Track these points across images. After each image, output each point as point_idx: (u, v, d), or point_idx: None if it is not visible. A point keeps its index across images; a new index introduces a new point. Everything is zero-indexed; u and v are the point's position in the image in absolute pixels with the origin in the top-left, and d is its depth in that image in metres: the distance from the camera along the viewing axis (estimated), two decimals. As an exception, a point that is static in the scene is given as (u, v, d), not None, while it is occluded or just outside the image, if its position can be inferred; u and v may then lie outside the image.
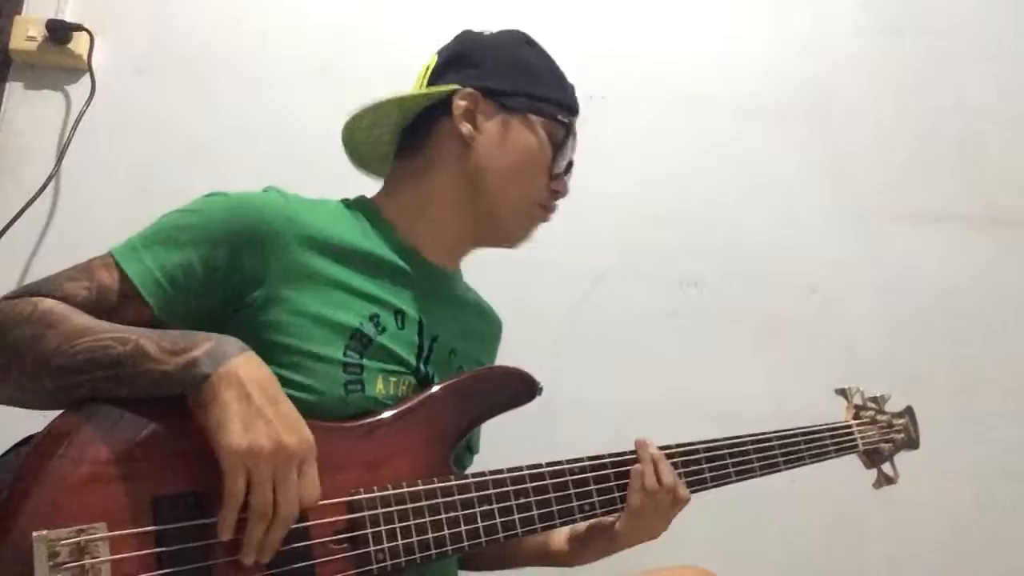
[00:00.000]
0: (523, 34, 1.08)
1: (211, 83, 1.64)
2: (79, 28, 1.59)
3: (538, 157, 1.02)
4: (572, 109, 1.06)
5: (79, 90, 1.61)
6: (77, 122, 1.58)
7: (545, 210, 1.06)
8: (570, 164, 1.07)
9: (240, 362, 0.75)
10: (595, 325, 1.65)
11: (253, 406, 0.73)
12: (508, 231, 1.06)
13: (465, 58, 1.03)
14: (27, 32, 1.58)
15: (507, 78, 1.02)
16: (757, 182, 1.75)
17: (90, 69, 1.60)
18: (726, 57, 1.80)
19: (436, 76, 1.04)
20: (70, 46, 1.59)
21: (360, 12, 1.71)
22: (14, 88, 1.61)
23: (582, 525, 1.00)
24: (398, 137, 1.06)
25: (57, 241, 1.54)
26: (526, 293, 1.60)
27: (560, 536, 1.06)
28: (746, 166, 1.75)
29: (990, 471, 1.66)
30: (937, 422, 1.64)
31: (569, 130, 1.04)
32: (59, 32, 1.58)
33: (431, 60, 1.07)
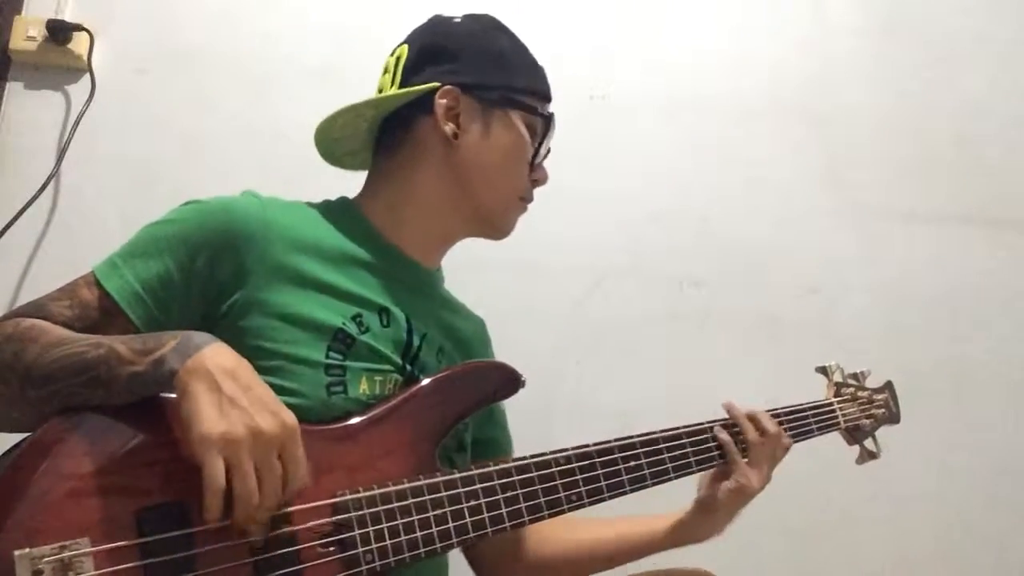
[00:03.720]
0: (494, 19, 1.07)
1: (211, 83, 1.64)
2: (79, 28, 1.59)
3: (521, 151, 1.01)
4: (548, 97, 1.05)
5: (79, 90, 1.61)
6: (77, 122, 1.57)
7: (525, 201, 1.05)
8: (547, 151, 1.06)
9: (208, 352, 0.74)
10: (595, 325, 1.64)
11: (224, 394, 0.71)
12: (498, 226, 1.05)
13: (441, 50, 1.01)
14: (27, 32, 1.58)
15: (485, 71, 1.00)
16: (757, 182, 1.74)
17: (90, 69, 1.60)
18: (726, 57, 1.79)
19: (411, 70, 1.01)
20: (70, 46, 1.58)
21: (360, 12, 1.71)
22: (14, 88, 1.60)
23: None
24: (376, 132, 1.05)
25: (57, 241, 1.54)
26: (526, 293, 1.60)
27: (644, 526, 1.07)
28: (746, 166, 1.75)
29: (990, 471, 1.66)
30: (937, 422, 1.66)
31: (548, 121, 1.03)
32: (59, 32, 1.57)
33: (401, 50, 1.04)
